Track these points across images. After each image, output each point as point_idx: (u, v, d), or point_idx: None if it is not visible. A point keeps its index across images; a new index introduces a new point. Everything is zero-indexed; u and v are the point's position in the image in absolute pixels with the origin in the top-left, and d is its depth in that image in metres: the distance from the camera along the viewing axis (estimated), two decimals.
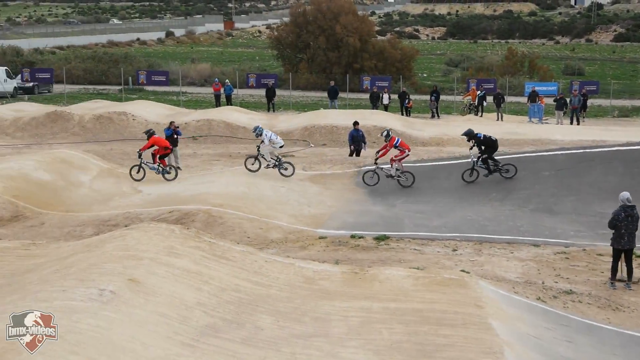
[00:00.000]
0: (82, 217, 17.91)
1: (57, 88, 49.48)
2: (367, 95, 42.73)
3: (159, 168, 21.62)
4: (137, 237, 10.83)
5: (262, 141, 21.03)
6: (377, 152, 21.68)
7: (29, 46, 75.30)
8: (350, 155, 25.55)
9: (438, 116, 39.03)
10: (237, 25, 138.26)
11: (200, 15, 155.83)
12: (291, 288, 10.63)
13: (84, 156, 23.17)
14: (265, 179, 20.79)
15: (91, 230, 16.57)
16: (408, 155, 21.41)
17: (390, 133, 21.48)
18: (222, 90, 41.43)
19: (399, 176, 21.01)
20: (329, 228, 17.30)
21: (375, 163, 21.23)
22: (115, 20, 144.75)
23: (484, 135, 21.20)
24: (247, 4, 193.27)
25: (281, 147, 21.56)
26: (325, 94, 42.55)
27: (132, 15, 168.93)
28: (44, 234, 16.42)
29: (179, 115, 33.56)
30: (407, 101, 38.90)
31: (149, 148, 21.65)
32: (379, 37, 69.96)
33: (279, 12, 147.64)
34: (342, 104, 42.49)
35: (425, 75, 64.73)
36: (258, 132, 21.15)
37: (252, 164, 21.26)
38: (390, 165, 21.17)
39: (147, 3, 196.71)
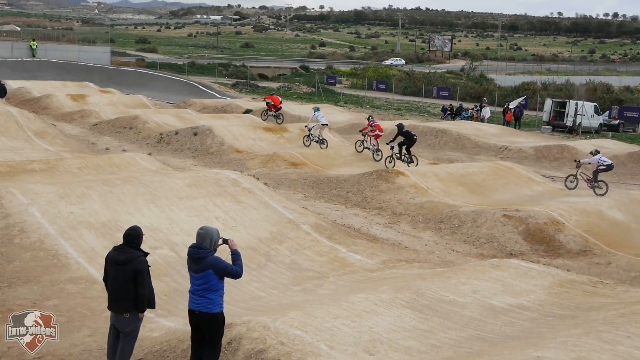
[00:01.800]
0: None
1: None
2: None
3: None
4: None
5: (311, 119, 28.38)
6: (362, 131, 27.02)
7: (619, 83, 75.58)
8: None
9: None
10: None
11: None
12: None
13: None
14: None
15: None
16: (379, 135, 26.08)
17: (370, 117, 27.26)
18: None
19: (374, 151, 25.87)
20: None
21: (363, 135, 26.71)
22: None
23: (409, 132, 25.05)
24: None
25: (324, 124, 27.97)
26: None
27: None
28: (609, 274, 16.25)
29: None
30: None
31: (269, 101, 31.87)
32: None
33: None
34: None
35: None
36: (314, 109, 28.43)
37: (307, 141, 28.23)
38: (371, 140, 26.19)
39: None
